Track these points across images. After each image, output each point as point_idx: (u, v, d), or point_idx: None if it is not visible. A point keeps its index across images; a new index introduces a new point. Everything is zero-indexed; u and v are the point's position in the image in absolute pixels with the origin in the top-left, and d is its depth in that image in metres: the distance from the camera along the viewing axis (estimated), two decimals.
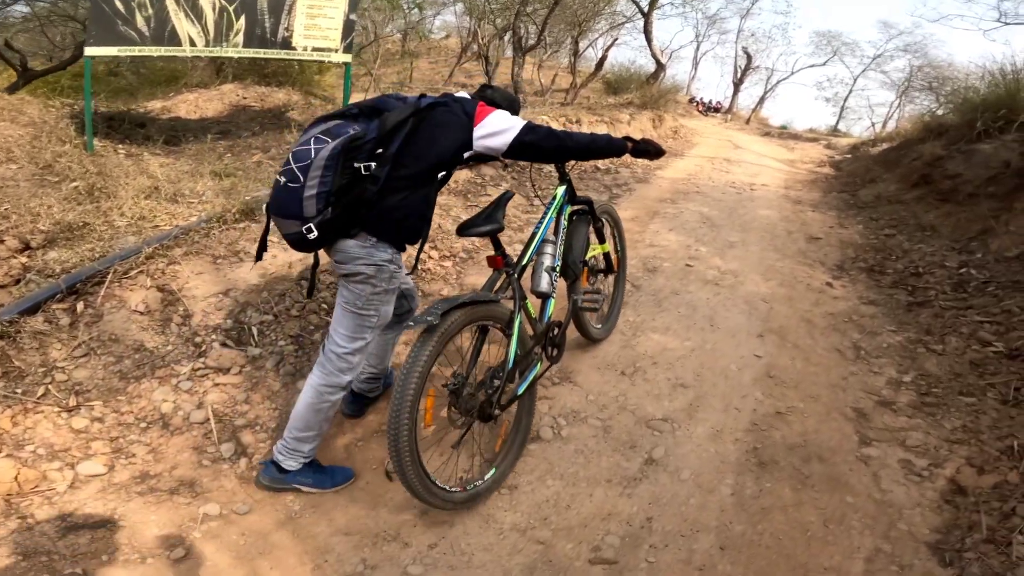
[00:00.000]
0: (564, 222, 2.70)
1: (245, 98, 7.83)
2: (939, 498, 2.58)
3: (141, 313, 3.06)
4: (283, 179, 1.87)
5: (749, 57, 28.85)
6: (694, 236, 5.82)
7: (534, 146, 2.10)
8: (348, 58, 6.18)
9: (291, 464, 2.24)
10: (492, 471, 2.32)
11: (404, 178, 1.94)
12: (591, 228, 2.95)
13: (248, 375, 2.93)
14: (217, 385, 2.83)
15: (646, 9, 15.17)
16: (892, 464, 2.79)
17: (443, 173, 2.09)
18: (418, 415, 1.92)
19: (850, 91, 31.69)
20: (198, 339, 3.01)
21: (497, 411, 2.18)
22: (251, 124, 6.89)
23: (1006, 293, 4.42)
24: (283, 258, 3.55)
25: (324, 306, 3.47)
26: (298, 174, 1.83)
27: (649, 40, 15.68)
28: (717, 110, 29.44)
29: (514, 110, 2.28)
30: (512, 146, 2.07)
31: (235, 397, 2.80)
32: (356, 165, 1.85)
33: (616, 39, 27.58)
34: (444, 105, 2.05)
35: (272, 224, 2.01)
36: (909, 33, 28.81)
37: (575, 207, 2.85)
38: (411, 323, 1.96)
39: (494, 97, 2.27)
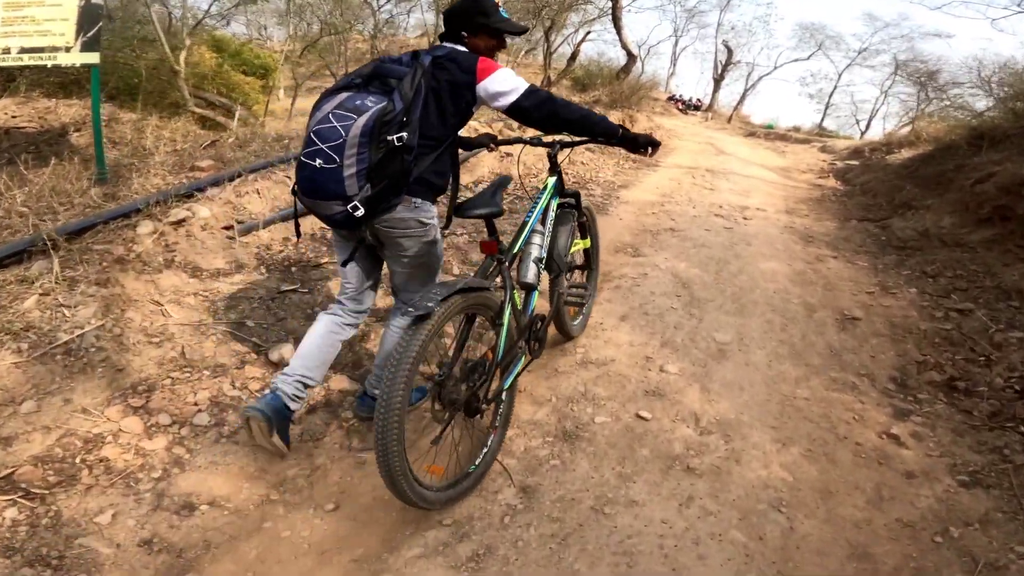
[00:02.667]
0: (552, 213, 2.60)
1: (16, 116, 5.44)
2: None
3: None
4: (318, 161, 1.86)
5: (729, 52, 26.81)
6: (660, 333, 3.53)
7: (526, 112, 2.13)
8: (93, 58, 3.82)
9: None
10: (473, 466, 2.18)
11: (431, 141, 2.03)
12: (576, 223, 2.85)
13: None
14: None
15: None
16: None
17: (460, 128, 2.20)
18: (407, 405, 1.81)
19: (835, 87, 29.57)
20: None
21: (484, 405, 2.11)
22: None
23: None
24: None
25: None
26: (332, 155, 1.84)
27: (618, 28, 13.42)
28: (697, 108, 27.28)
29: (478, 15, 2.20)
30: (512, 107, 2.12)
31: None
32: (389, 138, 1.86)
33: (589, 32, 25.51)
34: (444, 68, 2.05)
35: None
36: (895, 25, 26.84)
37: (563, 199, 2.77)
38: (411, 309, 1.83)
39: (456, 13, 2.21)
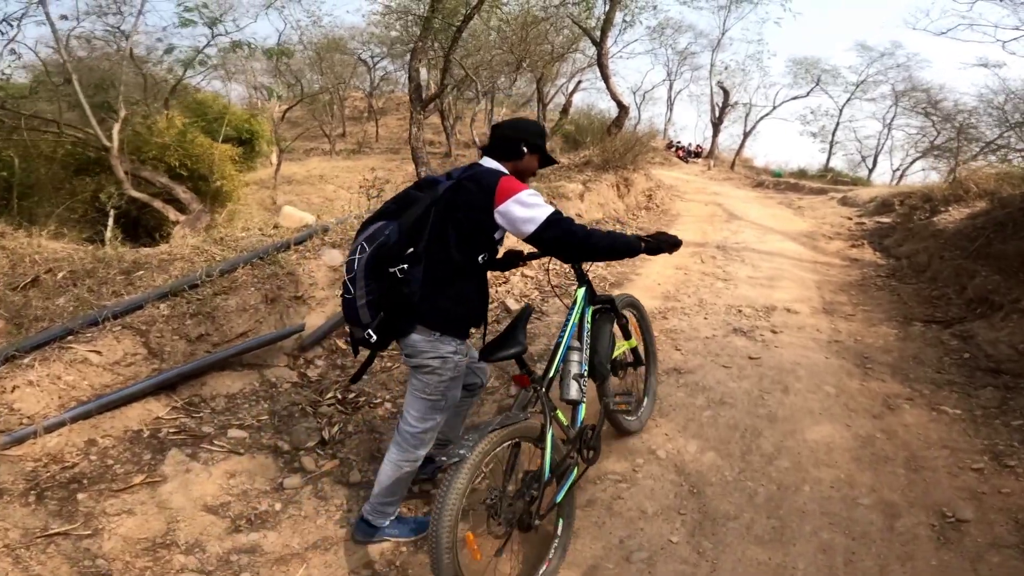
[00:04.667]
0: (587, 324, 2.56)
1: None
2: None
3: None
4: (342, 292, 2.04)
5: (726, 93, 25.73)
6: None
7: (546, 243, 2.04)
8: None
9: (381, 521, 2.39)
10: (543, 569, 2.20)
11: (447, 274, 2.01)
12: (615, 325, 2.79)
13: None
14: None
15: (598, 37, 11.75)
16: None
17: (484, 256, 2.12)
18: (459, 549, 1.91)
19: (837, 124, 28.13)
20: None
21: (537, 521, 2.11)
22: None
23: None
24: None
25: None
26: (350, 286, 2.00)
27: (606, 77, 12.22)
28: (698, 155, 26.14)
29: (537, 136, 2.24)
30: (531, 238, 2.01)
31: None
32: (391, 270, 1.94)
33: (580, 82, 24.63)
34: (464, 189, 2.02)
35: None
36: (890, 55, 25.68)
37: (596, 306, 2.70)
38: (444, 458, 1.91)
39: (503, 136, 2.22)
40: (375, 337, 1.98)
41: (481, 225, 2.02)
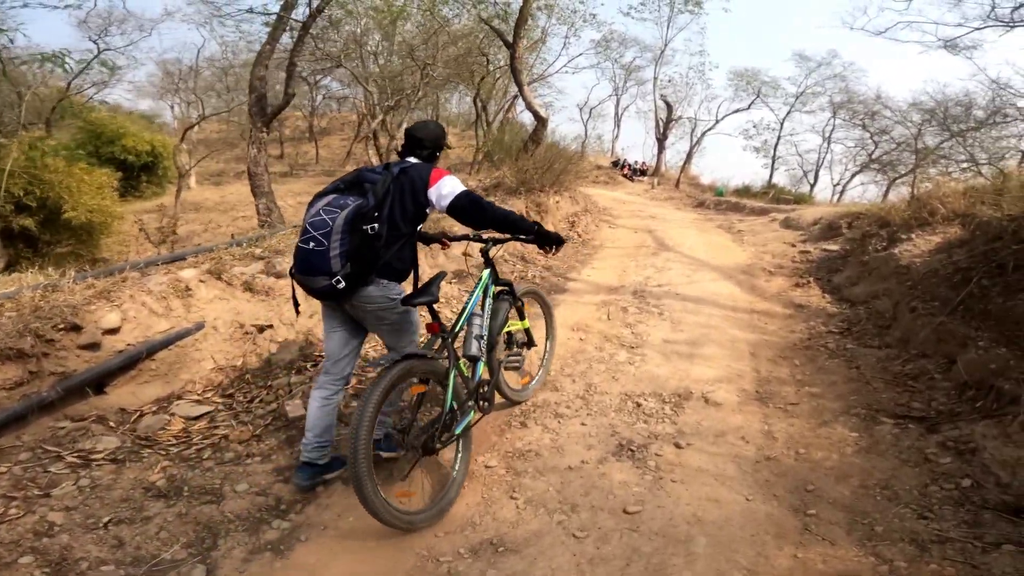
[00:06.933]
0: (490, 300, 3.00)
1: None
2: None
3: None
4: (310, 244, 2.34)
5: (669, 107, 24.86)
6: None
7: (459, 210, 2.52)
8: None
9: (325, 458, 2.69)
10: (443, 495, 2.52)
11: (398, 234, 2.47)
12: (512, 307, 3.25)
13: None
14: None
15: (511, 39, 10.34)
16: None
17: (419, 227, 2.64)
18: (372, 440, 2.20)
19: (779, 137, 27.43)
20: None
21: (439, 445, 2.47)
22: None
23: None
24: None
25: None
26: (321, 239, 2.33)
27: (519, 83, 10.83)
28: (644, 172, 25.08)
29: (444, 139, 2.81)
30: (449, 207, 2.51)
31: None
32: (364, 227, 2.34)
33: (516, 97, 23.32)
34: (407, 174, 2.52)
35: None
36: (827, 64, 25.33)
37: (499, 288, 3.19)
38: (382, 361, 2.35)
39: (420, 138, 2.71)
40: (344, 284, 2.30)
41: (419, 201, 2.50)
